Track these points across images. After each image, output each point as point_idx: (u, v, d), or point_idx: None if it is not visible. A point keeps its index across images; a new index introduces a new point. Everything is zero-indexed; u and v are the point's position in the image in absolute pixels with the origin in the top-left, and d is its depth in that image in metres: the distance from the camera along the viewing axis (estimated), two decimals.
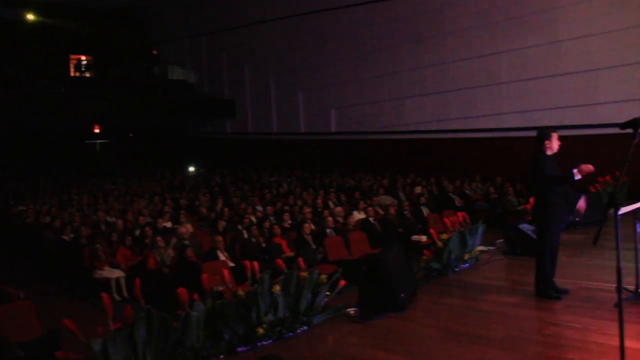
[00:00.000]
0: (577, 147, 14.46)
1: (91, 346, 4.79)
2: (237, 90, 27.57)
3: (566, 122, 15.61)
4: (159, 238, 9.65)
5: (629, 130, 3.74)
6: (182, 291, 5.48)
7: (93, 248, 9.59)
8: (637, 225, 6.01)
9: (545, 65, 16.85)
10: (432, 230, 8.60)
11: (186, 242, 9.48)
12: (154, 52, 32.10)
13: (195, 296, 5.58)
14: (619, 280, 3.56)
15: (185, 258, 8.53)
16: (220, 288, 6.76)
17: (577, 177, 6.02)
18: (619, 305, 3.51)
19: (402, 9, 20.12)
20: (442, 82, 19.26)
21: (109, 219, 12.84)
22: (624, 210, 5.73)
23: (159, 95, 27.54)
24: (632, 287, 6.15)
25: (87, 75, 28.87)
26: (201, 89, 29.50)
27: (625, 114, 3.77)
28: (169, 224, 12.05)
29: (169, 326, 5.18)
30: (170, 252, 9.50)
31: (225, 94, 28.31)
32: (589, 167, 5.95)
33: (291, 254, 9.21)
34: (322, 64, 23.00)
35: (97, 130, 27.28)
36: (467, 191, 15.34)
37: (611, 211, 3.69)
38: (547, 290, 6.50)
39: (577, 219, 11.37)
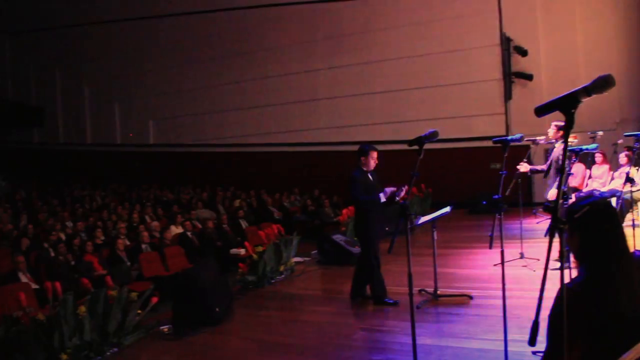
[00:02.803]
0: (388, 161, 15.48)
1: None
2: (46, 97, 25.57)
3: (377, 138, 16.63)
4: None
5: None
6: None
7: None
8: (434, 232, 6.58)
9: (359, 83, 17.90)
10: (246, 243, 8.65)
11: None
12: None
13: None
14: (410, 284, 3.83)
15: None
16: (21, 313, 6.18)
17: (383, 199, 6.66)
18: (412, 307, 3.79)
19: (224, 21, 20.16)
20: (262, 96, 19.60)
21: None
22: (423, 219, 6.30)
23: None
24: (431, 290, 6.68)
25: None
26: (3, 93, 26.95)
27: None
28: None
29: None
30: None
31: (32, 101, 26.15)
32: (392, 190, 6.65)
33: (103, 272, 8.72)
34: (141, 74, 22.22)
35: None
36: (285, 204, 15.68)
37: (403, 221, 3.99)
38: (380, 297, 6.79)
39: (387, 229, 12.18)
